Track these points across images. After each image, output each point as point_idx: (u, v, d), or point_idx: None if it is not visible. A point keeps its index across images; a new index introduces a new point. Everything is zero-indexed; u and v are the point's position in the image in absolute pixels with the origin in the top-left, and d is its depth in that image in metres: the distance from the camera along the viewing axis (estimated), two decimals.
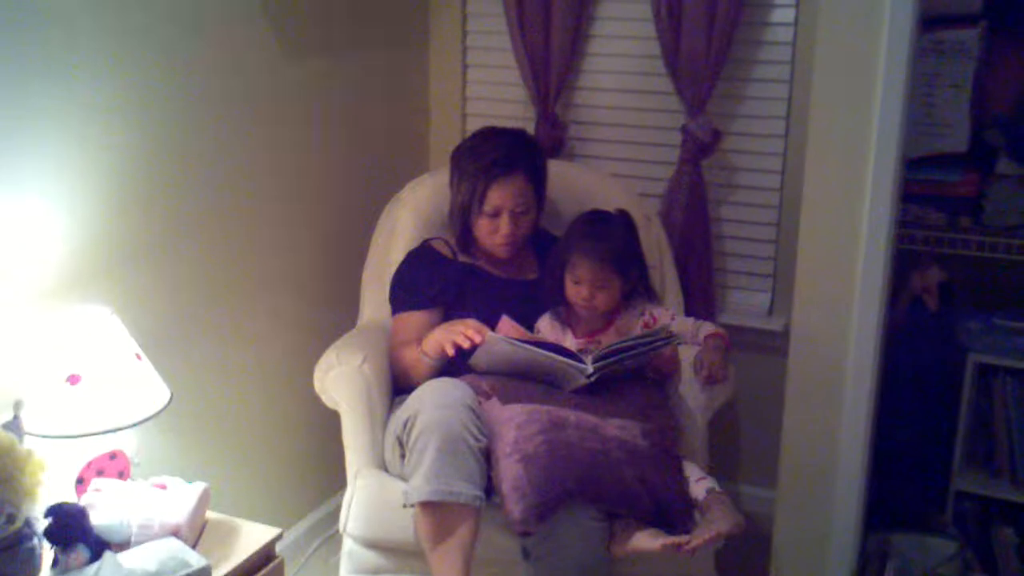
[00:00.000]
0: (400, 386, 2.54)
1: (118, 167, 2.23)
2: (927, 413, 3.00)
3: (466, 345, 2.34)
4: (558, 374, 2.36)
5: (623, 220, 2.55)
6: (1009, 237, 2.86)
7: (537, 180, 2.64)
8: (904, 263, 2.84)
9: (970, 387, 2.89)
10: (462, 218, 2.63)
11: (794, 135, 3.01)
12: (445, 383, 2.31)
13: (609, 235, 2.48)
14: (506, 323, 2.51)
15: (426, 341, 2.46)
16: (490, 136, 2.66)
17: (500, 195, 2.56)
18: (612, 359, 2.32)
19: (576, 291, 2.48)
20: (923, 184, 2.94)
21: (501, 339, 2.34)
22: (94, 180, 2.17)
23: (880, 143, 2.39)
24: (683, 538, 2.12)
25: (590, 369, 2.30)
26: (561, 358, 2.32)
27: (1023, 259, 2.85)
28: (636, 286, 2.57)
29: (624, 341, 2.37)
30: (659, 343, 2.38)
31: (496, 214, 2.57)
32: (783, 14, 2.99)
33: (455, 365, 2.44)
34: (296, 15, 2.76)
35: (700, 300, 3.05)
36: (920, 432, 3.00)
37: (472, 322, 2.40)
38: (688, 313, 2.81)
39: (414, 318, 2.58)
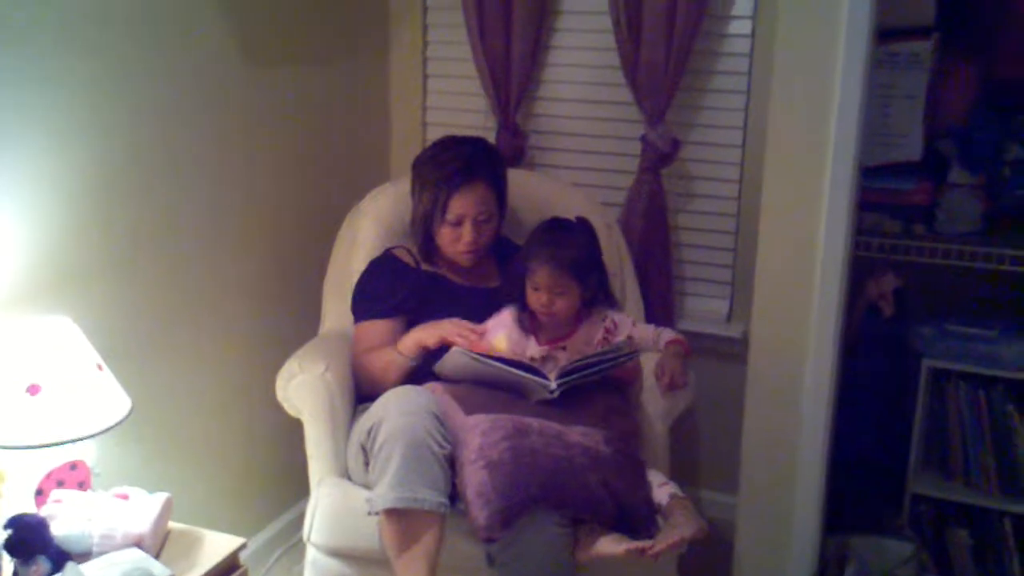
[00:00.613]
0: (364, 393, 2.54)
1: (76, 177, 2.21)
2: (883, 418, 3.04)
3: (458, 342, 2.38)
4: (522, 387, 2.37)
5: (582, 227, 2.56)
6: (961, 244, 2.91)
7: (498, 187, 2.66)
8: (860, 270, 2.89)
9: (924, 392, 2.93)
10: (424, 227, 2.64)
11: (751, 145, 3.05)
12: (409, 391, 2.31)
13: (567, 242, 2.50)
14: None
15: (403, 340, 2.48)
16: (450, 145, 2.67)
17: (462, 203, 2.57)
18: (575, 375, 2.34)
19: (536, 298, 2.49)
20: (878, 192, 2.98)
21: (461, 352, 2.35)
22: (52, 190, 2.15)
23: (837, 152, 2.43)
24: (647, 543, 2.13)
25: (553, 385, 2.32)
26: (526, 374, 2.33)
27: (975, 266, 2.90)
28: (597, 293, 2.58)
29: (588, 357, 2.39)
30: (622, 359, 2.41)
31: (459, 223, 2.59)
32: (740, 26, 3.02)
33: (420, 372, 2.45)
34: (256, 25, 2.75)
35: (660, 307, 3.08)
36: (876, 436, 3.04)
37: (457, 320, 2.43)
38: (648, 320, 2.83)
39: (377, 326, 2.58)
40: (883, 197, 3.01)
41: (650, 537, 2.18)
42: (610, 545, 2.16)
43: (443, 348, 2.41)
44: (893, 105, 2.94)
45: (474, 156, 2.62)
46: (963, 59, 2.94)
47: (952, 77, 2.95)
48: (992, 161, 2.93)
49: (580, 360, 2.38)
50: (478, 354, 2.36)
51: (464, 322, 2.47)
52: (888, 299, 3.02)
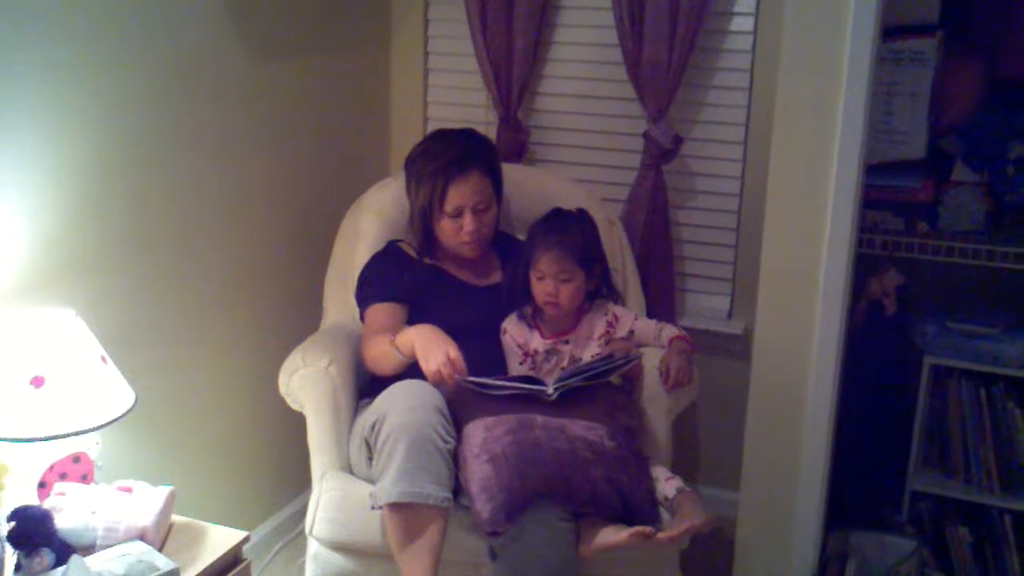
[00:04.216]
0: (370, 372, 2.53)
1: (79, 169, 2.21)
2: (884, 414, 3.04)
3: (443, 376, 2.27)
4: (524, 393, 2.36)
5: (582, 216, 2.57)
6: (964, 242, 2.92)
7: (493, 174, 2.65)
8: (863, 267, 2.89)
9: (926, 389, 2.94)
10: (423, 222, 2.63)
11: (753, 142, 3.05)
12: (413, 385, 2.30)
13: (570, 229, 2.51)
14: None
15: (402, 336, 2.40)
16: (440, 138, 2.67)
17: (460, 194, 2.56)
18: (572, 379, 2.32)
19: (541, 287, 2.48)
20: (882, 190, 2.99)
21: (462, 379, 2.29)
22: (56, 182, 2.14)
23: (843, 150, 2.43)
24: (648, 529, 2.13)
25: (550, 390, 2.29)
26: (523, 385, 2.31)
27: (977, 263, 2.91)
28: (599, 285, 2.58)
29: (587, 363, 2.39)
30: (620, 364, 2.39)
31: (458, 214, 2.57)
32: (743, 22, 3.02)
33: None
34: (259, 19, 2.74)
35: (661, 303, 3.08)
36: (877, 433, 3.05)
37: (454, 353, 2.30)
38: (649, 316, 2.83)
39: (384, 309, 2.57)
40: (886, 194, 3.02)
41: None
42: (613, 534, 2.17)
43: None
44: (897, 103, 2.95)
45: (466, 145, 2.62)
46: (967, 57, 2.94)
47: (956, 75, 2.94)
48: (995, 159, 2.93)
49: (580, 366, 2.39)
50: (473, 380, 2.30)
51: (456, 355, 2.31)
52: (891, 296, 3.02)
